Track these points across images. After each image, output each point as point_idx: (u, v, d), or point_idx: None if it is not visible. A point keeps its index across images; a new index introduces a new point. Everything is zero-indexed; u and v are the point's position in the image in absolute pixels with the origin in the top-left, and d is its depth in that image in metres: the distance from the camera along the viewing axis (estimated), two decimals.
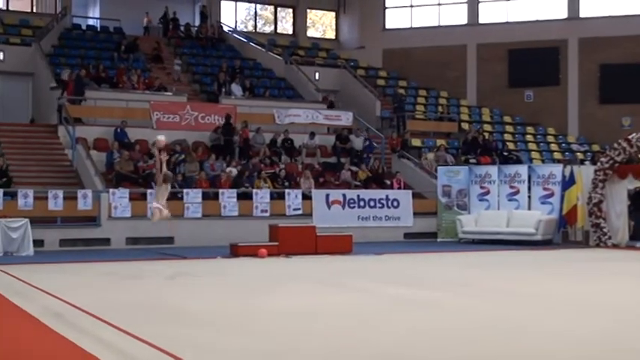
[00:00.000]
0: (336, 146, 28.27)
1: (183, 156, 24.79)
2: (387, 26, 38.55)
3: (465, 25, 37.24)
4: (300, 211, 23.88)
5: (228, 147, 26.22)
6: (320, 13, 41.25)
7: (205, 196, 23.19)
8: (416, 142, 30.88)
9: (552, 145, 34.33)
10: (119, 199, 21.89)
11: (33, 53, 29.34)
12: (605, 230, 22.80)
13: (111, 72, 29.53)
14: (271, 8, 40.48)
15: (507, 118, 35.87)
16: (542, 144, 34.28)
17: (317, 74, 34.32)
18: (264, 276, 15.05)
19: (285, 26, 40.65)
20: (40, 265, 16.80)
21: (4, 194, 21.00)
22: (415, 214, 25.52)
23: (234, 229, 22.37)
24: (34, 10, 35.58)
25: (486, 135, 31.16)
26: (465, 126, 33.24)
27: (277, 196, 23.99)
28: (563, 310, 10.47)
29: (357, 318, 9.74)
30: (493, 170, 25.39)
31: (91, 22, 36.13)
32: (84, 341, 8.06)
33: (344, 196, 24.81)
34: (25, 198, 20.92)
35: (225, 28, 37.42)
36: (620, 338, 8.50)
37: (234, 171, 24.73)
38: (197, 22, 36.83)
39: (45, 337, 8.57)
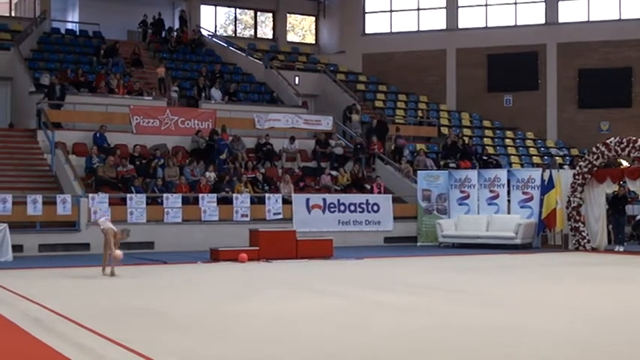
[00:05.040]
0: (316, 151, 28.28)
1: (162, 161, 24.74)
2: (367, 31, 38.60)
3: (444, 30, 37.34)
4: (280, 216, 23.87)
5: (210, 152, 26.20)
6: (300, 17, 41.27)
7: (185, 201, 23.15)
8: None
9: (531, 149, 34.49)
10: (98, 203, 21.79)
11: (11, 57, 29.15)
12: (584, 234, 22.94)
13: (90, 76, 29.42)
14: (251, 13, 40.44)
15: (487, 123, 35.98)
16: (521, 148, 34.42)
17: (297, 79, 34.28)
18: (245, 281, 15.02)
19: (265, 31, 40.63)
20: (19, 271, 16.71)
21: None
22: (395, 218, 25.57)
23: (215, 233, 22.37)
24: (13, 14, 35.37)
25: (466, 139, 31.24)
26: (445, 130, 33.32)
27: (257, 201, 23.98)
28: (542, 313, 10.51)
29: (337, 323, 9.74)
30: (473, 174, 25.49)
31: (70, 26, 35.94)
32: (63, 346, 8.03)
33: (324, 200, 24.82)
34: (4, 203, 20.81)
35: (205, 33, 37.36)
36: (596, 340, 8.56)
37: (212, 175, 24.70)
38: (176, 27, 36.71)
39: (24, 343, 8.52)
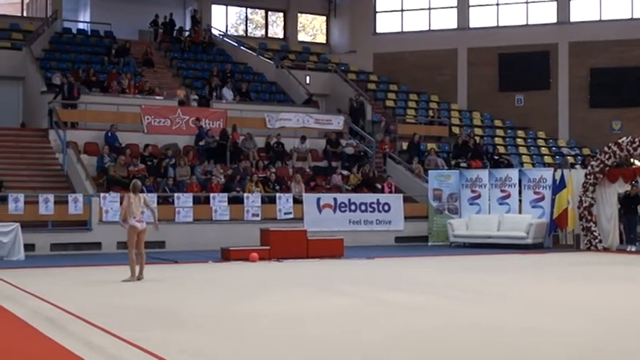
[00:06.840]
0: (327, 150, 28.29)
1: (173, 160, 24.78)
2: (378, 30, 38.55)
3: (455, 29, 37.26)
4: (291, 215, 23.88)
5: (221, 151, 26.25)
6: (310, 17, 41.26)
7: (196, 201, 23.18)
8: (407, 146, 30.87)
9: (543, 148, 34.40)
10: (110, 203, 21.83)
11: (23, 57, 29.24)
12: (595, 234, 22.87)
13: (101, 76, 29.48)
14: (262, 12, 40.46)
15: (498, 122, 35.91)
16: (532, 148, 34.35)
17: (308, 78, 34.26)
18: (256, 280, 15.03)
19: (276, 30, 40.65)
20: (31, 270, 16.78)
21: None
22: (406, 218, 25.53)
23: (226, 233, 22.38)
24: (25, 14, 35.48)
25: (477, 139, 31.21)
26: (456, 130, 33.29)
27: (268, 200, 23.99)
28: (552, 313, 10.50)
29: (347, 322, 9.74)
30: (484, 174, 25.43)
31: (81, 26, 36.05)
32: (74, 345, 8.05)
33: (335, 200, 24.81)
34: (16, 202, 20.86)
35: (216, 33, 37.39)
36: (606, 340, 8.54)
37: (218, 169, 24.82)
38: (188, 27, 36.78)
39: (35, 341, 8.55)
